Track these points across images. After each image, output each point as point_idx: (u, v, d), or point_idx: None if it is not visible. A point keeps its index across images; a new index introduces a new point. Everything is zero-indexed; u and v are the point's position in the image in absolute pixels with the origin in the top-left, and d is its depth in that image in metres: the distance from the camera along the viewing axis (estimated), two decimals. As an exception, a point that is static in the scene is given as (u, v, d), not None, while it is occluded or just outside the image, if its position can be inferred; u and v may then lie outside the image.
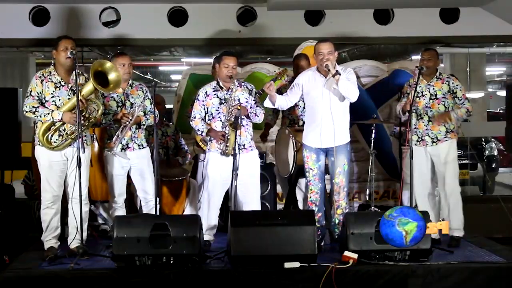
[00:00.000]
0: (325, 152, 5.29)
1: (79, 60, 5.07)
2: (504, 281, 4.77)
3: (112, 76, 4.97)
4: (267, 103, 5.31)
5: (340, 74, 5.05)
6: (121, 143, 5.28)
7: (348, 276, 4.62)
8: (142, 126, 5.37)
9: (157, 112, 5.42)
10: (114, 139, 5.27)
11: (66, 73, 5.01)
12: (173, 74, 18.19)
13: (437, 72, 5.58)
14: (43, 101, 4.98)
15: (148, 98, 5.41)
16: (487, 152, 10.96)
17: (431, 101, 5.52)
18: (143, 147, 5.36)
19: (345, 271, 4.63)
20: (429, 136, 5.52)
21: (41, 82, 4.98)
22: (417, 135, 5.57)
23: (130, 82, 5.43)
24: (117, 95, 5.33)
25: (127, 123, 5.20)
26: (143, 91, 5.40)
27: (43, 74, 5.02)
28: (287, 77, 6.07)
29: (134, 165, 5.34)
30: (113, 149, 5.24)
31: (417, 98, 5.52)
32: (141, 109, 5.30)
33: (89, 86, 4.93)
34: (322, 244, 5.31)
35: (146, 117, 5.34)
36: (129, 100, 5.35)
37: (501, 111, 16.95)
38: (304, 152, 5.33)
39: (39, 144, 4.99)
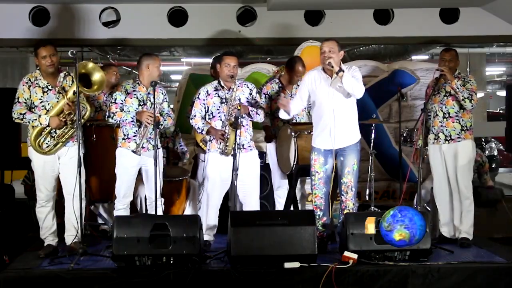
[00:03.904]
0: (335, 153, 5.22)
1: (79, 60, 5.06)
2: (504, 281, 4.77)
3: (95, 77, 4.96)
4: (283, 115, 5.31)
5: (343, 71, 5.03)
6: (135, 142, 5.27)
7: (348, 276, 4.62)
8: (160, 127, 5.33)
9: (173, 115, 5.47)
10: (138, 138, 5.22)
11: (51, 77, 5.02)
12: (173, 74, 18.22)
13: (456, 71, 5.55)
14: (32, 106, 5.00)
15: (166, 101, 5.41)
16: (487, 152, 10.99)
17: (445, 98, 5.49)
18: (158, 148, 5.27)
19: (345, 271, 4.63)
20: (443, 133, 5.48)
21: (28, 88, 5.01)
22: (433, 132, 5.56)
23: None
24: (140, 94, 5.32)
25: (150, 122, 5.17)
26: (162, 93, 5.39)
27: (29, 80, 5.04)
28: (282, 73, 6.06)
29: (147, 165, 5.30)
30: (138, 149, 5.21)
31: (433, 96, 5.54)
32: (158, 110, 5.27)
33: (74, 89, 4.92)
34: (328, 246, 5.29)
35: (163, 118, 5.33)
36: (149, 100, 5.33)
37: (501, 111, 16.98)
38: (312, 154, 5.26)
39: (30, 146, 5.02)
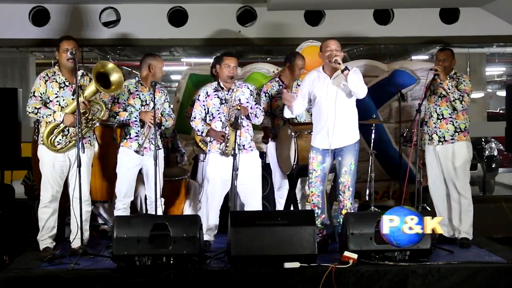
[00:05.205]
0: (333, 153, 5.23)
1: (79, 60, 5.06)
2: (504, 281, 4.78)
3: (114, 77, 4.96)
4: (287, 113, 5.32)
5: (349, 70, 5.01)
6: (138, 142, 5.26)
7: (348, 276, 4.63)
8: (161, 128, 5.35)
9: (174, 115, 5.48)
10: (141, 138, 5.24)
11: (70, 73, 5.02)
12: (173, 74, 18.19)
13: (452, 71, 5.54)
14: (47, 101, 4.99)
15: (167, 101, 5.43)
16: (487, 152, 10.98)
17: (440, 99, 5.50)
18: (159, 148, 5.30)
19: (345, 271, 4.63)
20: (436, 134, 5.50)
21: (45, 83, 4.99)
22: (428, 133, 5.57)
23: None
24: (142, 94, 5.33)
25: (153, 122, 5.17)
26: (164, 94, 5.41)
27: (47, 74, 5.03)
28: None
29: (147, 165, 5.30)
30: (141, 149, 5.22)
31: (429, 97, 5.55)
32: (160, 110, 5.30)
33: (91, 88, 4.93)
34: (328, 244, 5.30)
35: (165, 119, 5.35)
36: (152, 100, 5.34)
37: (501, 111, 16.97)
38: (310, 153, 5.28)
39: (42, 143, 4.99)
